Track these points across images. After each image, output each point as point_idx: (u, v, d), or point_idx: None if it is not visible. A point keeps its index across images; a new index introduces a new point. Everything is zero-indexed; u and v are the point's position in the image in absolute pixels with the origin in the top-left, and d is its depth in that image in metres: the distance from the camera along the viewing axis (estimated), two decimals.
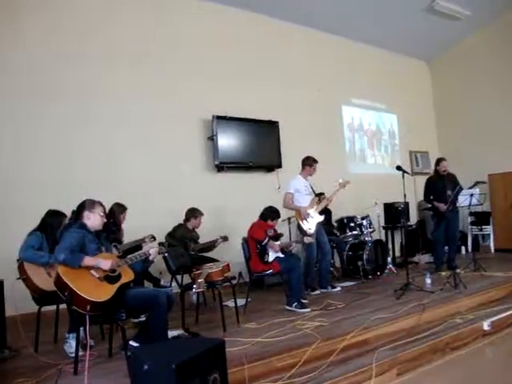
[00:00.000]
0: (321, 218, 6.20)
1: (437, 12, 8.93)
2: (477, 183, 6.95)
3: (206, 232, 6.27)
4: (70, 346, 3.82)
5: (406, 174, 5.93)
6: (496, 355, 4.31)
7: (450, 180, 7.12)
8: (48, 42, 6.20)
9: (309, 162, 6.32)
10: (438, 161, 7.36)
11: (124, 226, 5.59)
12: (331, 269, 7.26)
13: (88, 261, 3.38)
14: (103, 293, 3.31)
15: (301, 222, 6.11)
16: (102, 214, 3.79)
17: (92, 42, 6.53)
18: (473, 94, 10.40)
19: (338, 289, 6.35)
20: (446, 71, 11.17)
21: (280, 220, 6.04)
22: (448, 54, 10.99)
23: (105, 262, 3.45)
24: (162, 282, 5.83)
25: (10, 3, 5.99)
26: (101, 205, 3.83)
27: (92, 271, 3.38)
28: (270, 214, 5.71)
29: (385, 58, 10.48)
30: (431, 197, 7.27)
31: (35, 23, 6.12)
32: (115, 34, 6.76)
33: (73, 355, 3.46)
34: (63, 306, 3.84)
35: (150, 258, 3.89)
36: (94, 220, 3.71)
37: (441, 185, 7.09)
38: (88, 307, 3.19)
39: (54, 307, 4.32)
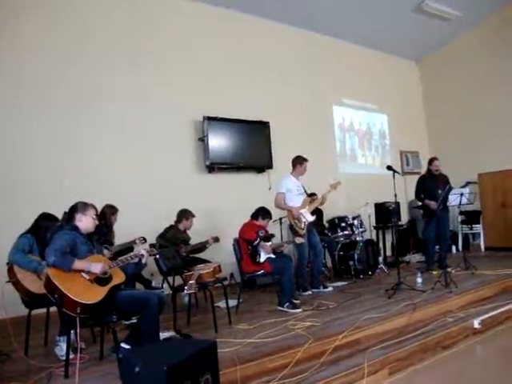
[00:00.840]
0: (312, 218, 6.20)
1: (426, 13, 8.99)
2: (468, 183, 7.00)
3: (197, 233, 6.25)
4: (61, 349, 3.80)
5: (396, 174, 5.95)
6: (486, 353, 4.35)
7: (442, 180, 7.15)
8: (44, 44, 6.22)
9: (299, 161, 6.31)
10: (431, 160, 7.40)
11: (115, 227, 5.56)
12: (323, 269, 7.28)
13: (78, 264, 3.35)
14: (94, 295, 3.28)
15: (293, 223, 6.11)
16: (94, 216, 3.76)
17: (86, 44, 6.54)
18: (462, 94, 10.47)
19: (330, 289, 6.36)
20: (436, 71, 11.23)
21: (271, 220, 6.04)
22: (437, 54, 11.06)
23: (96, 266, 3.40)
24: (154, 284, 5.80)
25: (9, 4, 5.97)
26: (93, 207, 3.80)
27: (82, 273, 3.35)
28: (262, 213, 5.71)
29: (375, 58, 10.52)
30: (422, 195, 7.30)
31: (32, 24, 6.12)
32: (108, 36, 6.76)
33: (63, 358, 3.44)
34: (54, 309, 3.82)
35: (143, 260, 3.86)
36: (86, 222, 3.68)
37: (433, 184, 7.13)
38: (78, 309, 3.16)
39: (44, 310, 4.30)
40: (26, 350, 4.00)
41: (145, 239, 5.47)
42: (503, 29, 9.63)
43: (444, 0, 8.79)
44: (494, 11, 9.64)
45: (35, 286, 3.93)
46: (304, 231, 6.06)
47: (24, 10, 6.05)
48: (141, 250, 3.93)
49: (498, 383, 3.62)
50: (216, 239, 6.15)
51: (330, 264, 7.70)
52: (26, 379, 3.29)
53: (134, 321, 4.06)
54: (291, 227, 6.22)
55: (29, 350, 4.02)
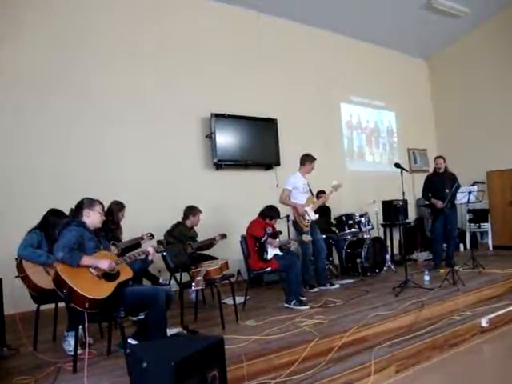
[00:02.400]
0: (316, 217, 6.22)
1: (435, 9, 8.93)
2: (475, 183, 6.96)
3: (204, 230, 6.26)
4: (69, 344, 3.83)
5: (404, 172, 5.93)
6: (494, 352, 4.33)
7: (449, 178, 7.10)
8: (44, 42, 6.19)
9: (309, 159, 6.32)
10: (434, 158, 7.39)
11: (123, 223, 5.58)
12: (330, 266, 7.31)
13: (87, 260, 3.37)
14: (101, 290, 3.30)
15: (298, 220, 6.13)
16: (101, 212, 3.79)
17: (89, 41, 6.51)
18: (471, 92, 10.40)
19: (337, 286, 6.36)
20: (444, 69, 11.17)
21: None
22: (446, 51, 11.00)
23: (103, 262, 3.42)
24: (161, 280, 5.83)
25: (9, 4, 5.97)
26: (100, 203, 3.83)
27: (90, 269, 3.37)
28: (270, 212, 5.71)
29: (383, 56, 10.48)
30: (429, 194, 7.28)
31: (31, 23, 6.10)
32: (112, 32, 6.75)
33: (72, 353, 3.47)
34: (62, 305, 3.85)
35: (150, 257, 3.87)
36: (93, 218, 3.71)
37: (439, 183, 7.10)
38: (86, 304, 3.18)
39: (52, 305, 4.33)
40: (35, 345, 4.03)
41: (152, 235, 5.50)
42: (511, 26, 9.55)
43: None
44: (502, 8, 9.57)
45: (44, 281, 3.96)
46: (307, 228, 6.09)
47: (23, 9, 6.04)
48: (148, 247, 3.95)
49: (505, 382, 3.61)
50: (223, 236, 6.16)
51: (337, 261, 7.69)
52: (34, 374, 3.32)
53: (142, 317, 4.08)
54: (295, 224, 6.24)
55: (37, 344, 4.05)
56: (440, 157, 7.35)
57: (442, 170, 7.22)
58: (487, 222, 9.59)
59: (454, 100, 10.89)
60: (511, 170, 9.24)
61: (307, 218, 6.10)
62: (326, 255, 6.61)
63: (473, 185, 6.92)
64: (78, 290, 3.17)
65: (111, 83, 6.62)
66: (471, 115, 10.37)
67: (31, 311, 4.17)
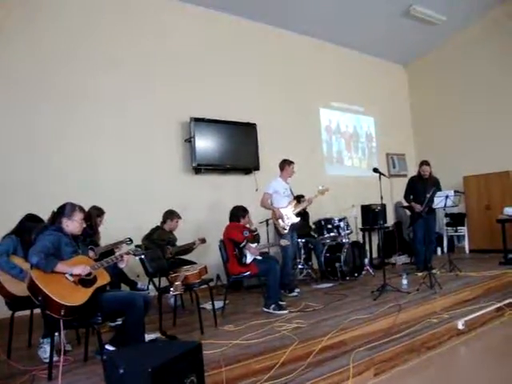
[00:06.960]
0: (297, 220, 6.25)
1: (413, 17, 9.08)
2: (456, 192, 7.07)
3: (183, 234, 6.23)
4: (45, 351, 3.75)
5: (382, 176, 5.98)
6: (470, 353, 4.38)
7: (431, 183, 7.16)
8: (31, 49, 6.15)
9: (287, 163, 6.42)
10: (421, 164, 7.43)
11: (101, 228, 5.52)
12: (309, 270, 7.35)
13: (61, 267, 3.30)
14: (78, 297, 3.25)
15: (275, 222, 6.17)
16: (81, 220, 3.69)
17: (74, 48, 6.48)
18: (448, 98, 10.59)
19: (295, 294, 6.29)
20: (423, 75, 11.36)
21: (258, 222, 6.03)
22: (424, 58, 11.18)
23: (77, 268, 3.35)
24: (139, 285, 5.78)
25: None
26: (81, 210, 3.72)
27: (66, 274, 3.32)
28: (239, 212, 5.71)
29: (362, 62, 10.60)
30: (411, 197, 7.36)
31: (21, 28, 6.07)
32: (96, 39, 6.71)
33: (47, 361, 3.40)
34: (38, 311, 3.77)
35: (121, 265, 3.80)
36: (72, 227, 3.62)
37: (421, 187, 7.15)
38: (62, 312, 3.13)
39: (28, 312, 4.24)
40: (9, 353, 3.94)
41: (131, 240, 5.44)
42: (488, 34, 9.76)
43: (431, 5, 8.89)
44: (478, 15, 9.76)
45: (18, 288, 3.88)
46: (286, 231, 6.13)
47: (13, 13, 5.99)
48: (123, 250, 3.90)
49: (481, 382, 3.66)
50: (203, 240, 6.15)
51: (316, 266, 7.71)
52: (8, 382, 3.25)
53: (120, 322, 4.04)
54: (276, 227, 6.28)
55: (11, 352, 3.97)
56: (426, 163, 7.38)
57: (427, 176, 7.31)
58: (464, 225, 9.75)
59: (431, 106, 11.06)
60: (487, 175, 9.41)
61: (286, 220, 6.13)
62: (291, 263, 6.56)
63: (456, 192, 7.03)
64: (53, 298, 3.11)
65: (89, 87, 6.55)
66: (448, 121, 10.55)
67: (5, 318, 4.08)
